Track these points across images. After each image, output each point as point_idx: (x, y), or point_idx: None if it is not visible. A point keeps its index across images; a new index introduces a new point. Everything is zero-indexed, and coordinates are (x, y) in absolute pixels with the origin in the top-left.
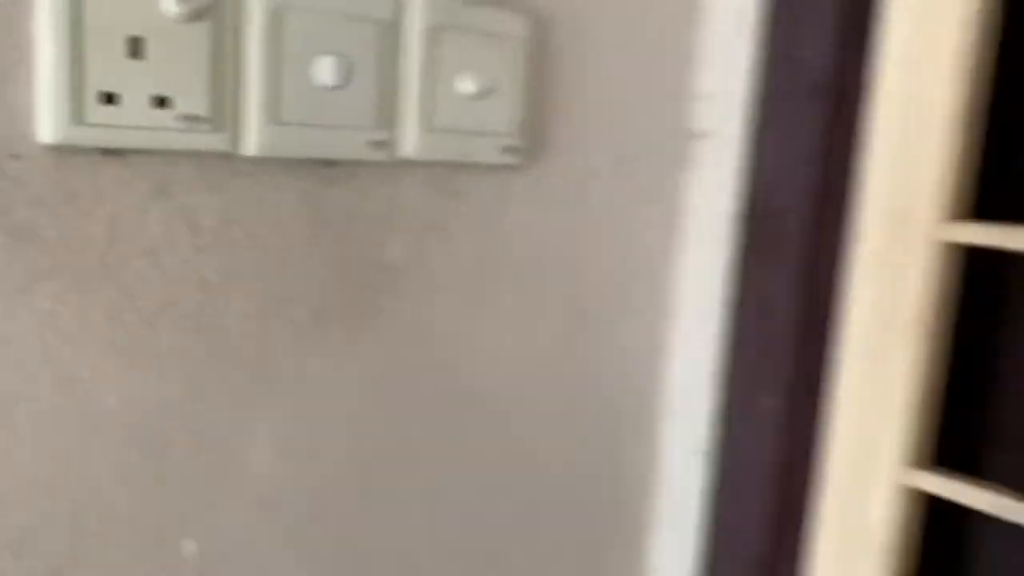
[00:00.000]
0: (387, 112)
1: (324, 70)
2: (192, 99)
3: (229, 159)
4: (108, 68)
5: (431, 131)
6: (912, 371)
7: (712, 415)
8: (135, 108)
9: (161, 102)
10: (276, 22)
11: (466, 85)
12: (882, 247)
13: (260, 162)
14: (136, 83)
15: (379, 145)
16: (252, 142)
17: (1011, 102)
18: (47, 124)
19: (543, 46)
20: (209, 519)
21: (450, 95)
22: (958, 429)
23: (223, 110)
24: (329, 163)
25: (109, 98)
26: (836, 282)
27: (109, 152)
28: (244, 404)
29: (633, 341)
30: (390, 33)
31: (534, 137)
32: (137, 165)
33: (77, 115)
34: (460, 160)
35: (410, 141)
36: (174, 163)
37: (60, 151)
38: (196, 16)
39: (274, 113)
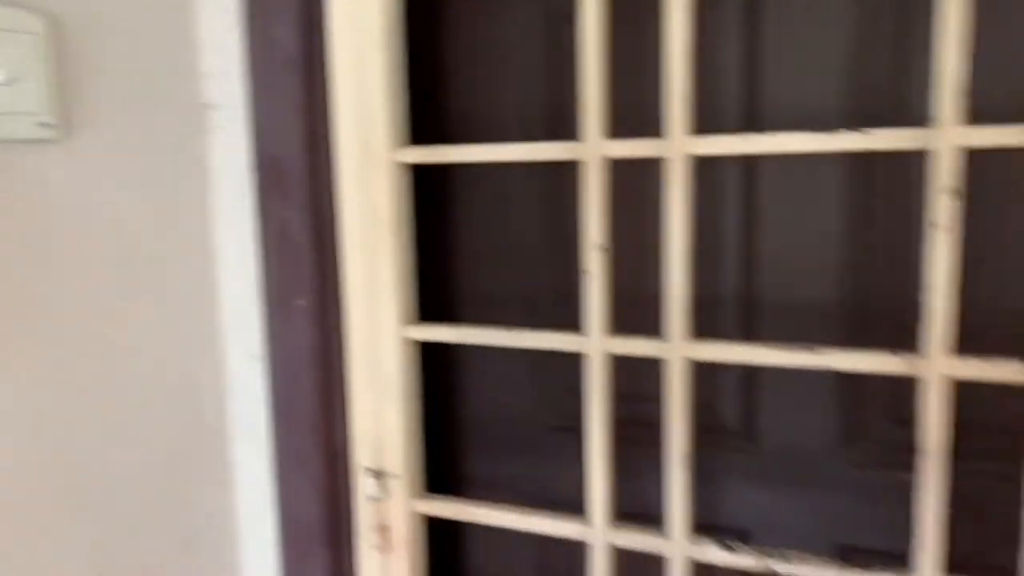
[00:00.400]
0: None
1: None
2: None
3: None
4: None
5: None
6: (393, 256)
7: (261, 322)
8: None
9: None
10: None
11: None
12: (358, 171)
13: None
14: None
15: None
16: None
17: (426, 58)
18: None
19: (63, 39)
20: None
21: None
22: (432, 292)
23: None
24: None
25: None
26: (333, 202)
27: None
28: None
29: (187, 278)
30: None
31: (67, 115)
32: None
33: None
34: None
35: None
36: None
37: None
38: None
39: None
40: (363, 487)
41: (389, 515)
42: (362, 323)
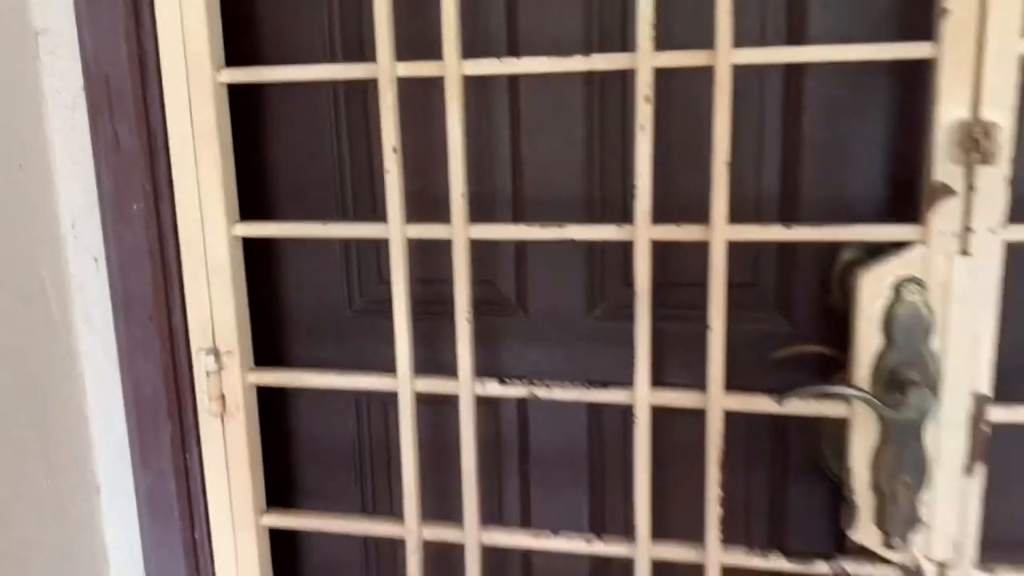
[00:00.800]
0: None
1: None
2: None
3: None
4: None
5: None
6: (217, 164)
7: (102, 225)
8: None
9: None
10: None
11: None
12: (182, 89)
13: None
14: None
15: None
16: None
17: None
18: None
19: None
20: None
21: None
22: (254, 197)
23: None
24: None
25: None
26: (162, 116)
27: None
28: None
29: (31, 189)
30: None
31: None
32: None
33: None
34: None
35: None
36: None
37: None
38: None
39: None
40: (201, 364)
41: (225, 386)
42: (192, 223)
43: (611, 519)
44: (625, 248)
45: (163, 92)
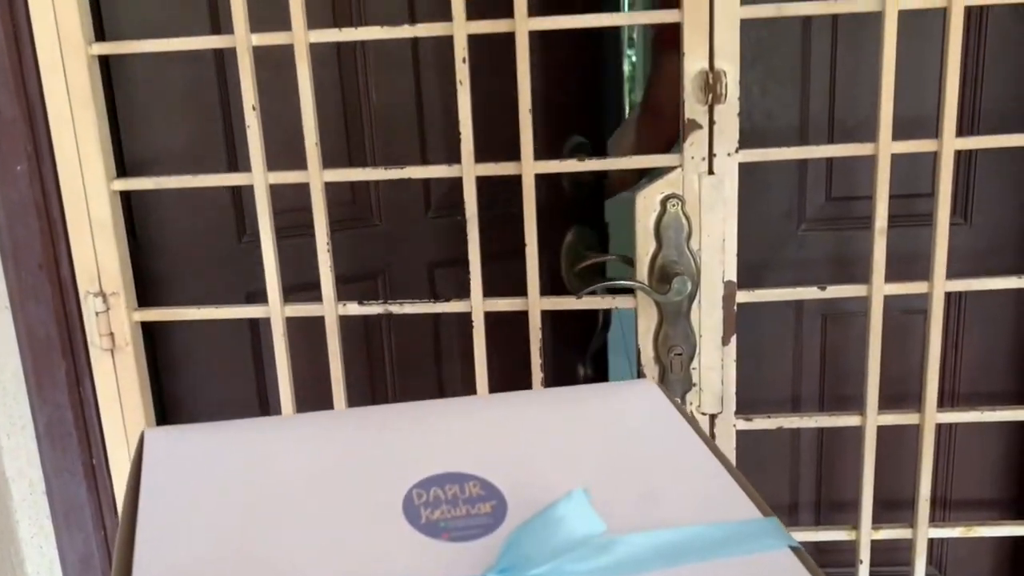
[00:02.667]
0: None
1: None
2: None
3: None
4: None
5: None
6: (93, 127)
7: None
8: None
9: None
10: None
11: None
12: (54, 60)
13: None
14: None
15: None
16: None
17: None
18: None
19: None
20: None
21: None
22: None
23: None
24: None
25: None
26: (33, 84)
27: None
28: None
29: None
30: None
31: None
32: None
33: None
34: None
35: None
36: None
37: None
38: None
39: None
40: (90, 306)
41: (113, 324)
42: (74, 181)
43: None
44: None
45: (39, 65)
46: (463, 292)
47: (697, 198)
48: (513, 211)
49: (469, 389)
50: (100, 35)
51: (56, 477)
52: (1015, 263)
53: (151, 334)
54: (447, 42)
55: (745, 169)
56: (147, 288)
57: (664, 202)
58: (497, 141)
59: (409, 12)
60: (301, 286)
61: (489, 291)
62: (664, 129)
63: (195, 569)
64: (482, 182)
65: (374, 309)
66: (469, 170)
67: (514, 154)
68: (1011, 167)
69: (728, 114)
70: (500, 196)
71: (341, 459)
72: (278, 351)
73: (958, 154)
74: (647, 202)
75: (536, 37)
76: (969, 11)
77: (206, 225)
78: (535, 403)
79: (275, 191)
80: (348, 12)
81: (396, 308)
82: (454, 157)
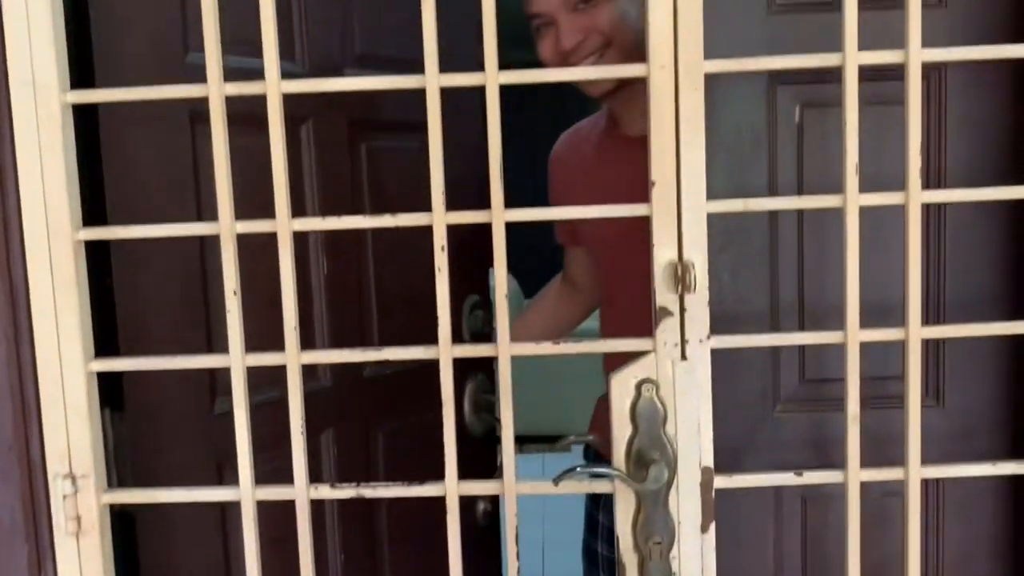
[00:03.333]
0: None
1: None
2: None
3: None
4: None
5: None
6: (74, 310)
7: None
8: None
9: None
10: None
11: None
12: (43, 246)
13: None
14: None
15: None
16: None
17: None
18: None
19: None
20: None
21: None
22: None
23: None
24: None
25: None
26: (24, 270)
27: None
28: None
29: None
30: None
31: None
32: None
33: None
34: None
35: None
36: None
37: None
38: None
39: None
40: (59, 488)
41: (81, 507)
42: (51, 362)
43: None
44: None
45: (25, 252)
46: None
47: (671, 383)
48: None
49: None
50: (102, 219)
51: None
52: (989, 445)
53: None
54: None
55: (718, 351)
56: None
57: (639, 386)
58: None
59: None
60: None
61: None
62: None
63: None
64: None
65: (347, 492)
66: (446, 352)
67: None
68: (982, 348)
69: (698, 303)
70: None
71: None
72: (248, 537)
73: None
74: (622, 386)
75: None
76: (927, 207)
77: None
78: None
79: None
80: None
81: (369, 492)
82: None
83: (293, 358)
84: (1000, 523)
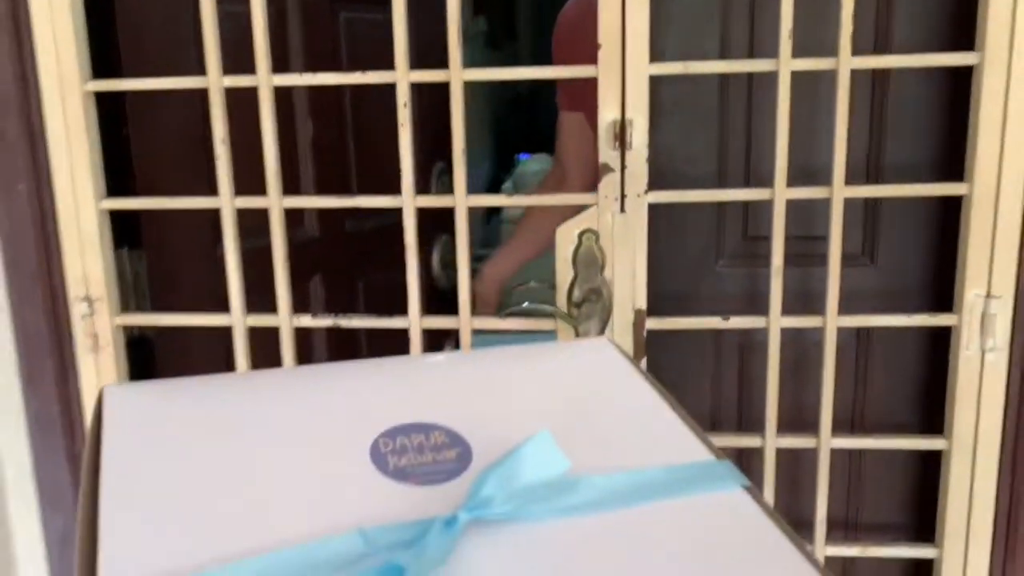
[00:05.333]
0: None
1: None
2: None
3: None
4: None
5: None
6: (87, 153)
7: None
8: None
9: None
10: None
11: None
12: (57, 94)
13: None
14: None
15: None
16: None
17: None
18: None
19: None
20: None
21: None
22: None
23: None
24: None
25: None
26: (42, 116)
27: None
28: None
29: None
30: None
31: None
32: None
33: None
34: None
35: None
36: None
37: None
38: None
39: None
40: (77, 310)
41: (97, 327)
42: (68, 201)
43: None
44: None
45: (41, 100)
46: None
47: (610, 233)
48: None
49: None
50: (117, 70)
51: (42, 462)
52: (918, 303)
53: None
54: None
55: (664, 208)
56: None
57: (581, 235)
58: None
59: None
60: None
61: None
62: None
63: (162, 529)
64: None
65: (326, 322)
66: (409, 201)
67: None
68: (916, 209)
69: (637, 159)
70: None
71: (306, 412)
72: (239, 356)
73: (865, 201)
74: (566, 236)
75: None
76: (873, 76)
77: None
78: (496, 359)
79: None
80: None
81: (345, 322)
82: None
83: (276, 200)
84: (920, 374)
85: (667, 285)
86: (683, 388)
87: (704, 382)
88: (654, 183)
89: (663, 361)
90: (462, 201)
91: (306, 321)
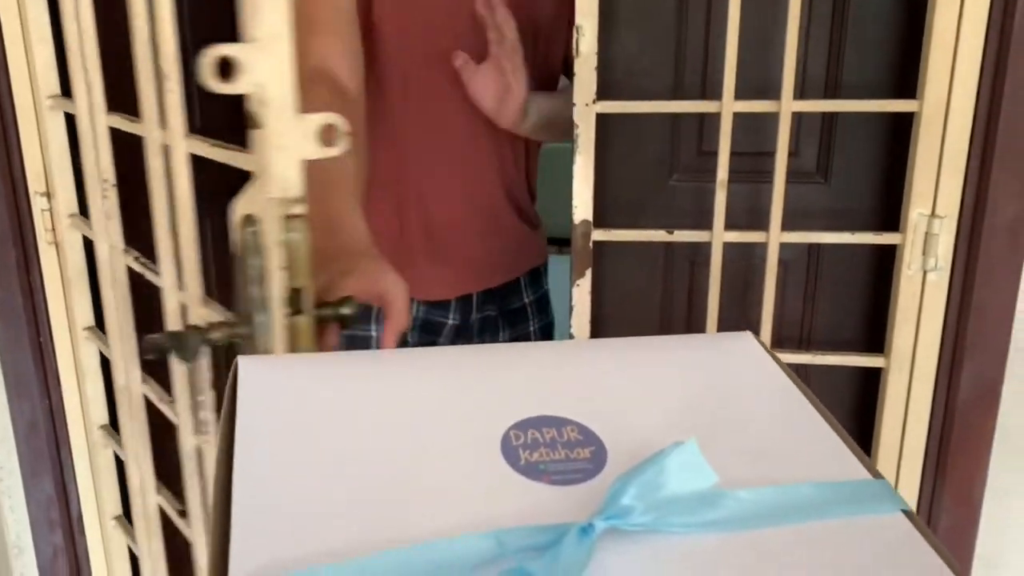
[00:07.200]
0: None
1: None
2: None
3: None
4: None
5: None
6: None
7: None
8: None
9: None
10: None
11: None
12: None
13: None
14: None
15: None
16: None
17: None
18: None
19: None
20: None
21: None
22: None
23: None
24: None
25: None
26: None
27: None
28: None
29: None
30: None
31: None
32: None
33: None
34: None
35: None
36: None
37: None
38: None
39: None
40: (37, 204)
41: (56, 220)
42: (26, 100)
43: None
44: None
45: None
46: None
47: None
48: None
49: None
50: None
51: (8, 351)
52: (873, 223)
53: None
54: None
55: (618, 120)
56: None
57: None
58: None
59: None
60: None
61: None
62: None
63: (294, 514)
64: None
65: None
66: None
67: None
68: (873, 129)
69: (586, 67)
70: None
71: (437, 397)
72: None
73: (822, 118)
74: None
75: None
76: None
77: None
78: (633, 350)
79: None
80: None
81: None
82: None
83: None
84: (867, 294)
85: (618, 197)
86: (633, 302)
87: (655, 296)
88: (610, 96)
89: (613, 273)
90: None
91: None
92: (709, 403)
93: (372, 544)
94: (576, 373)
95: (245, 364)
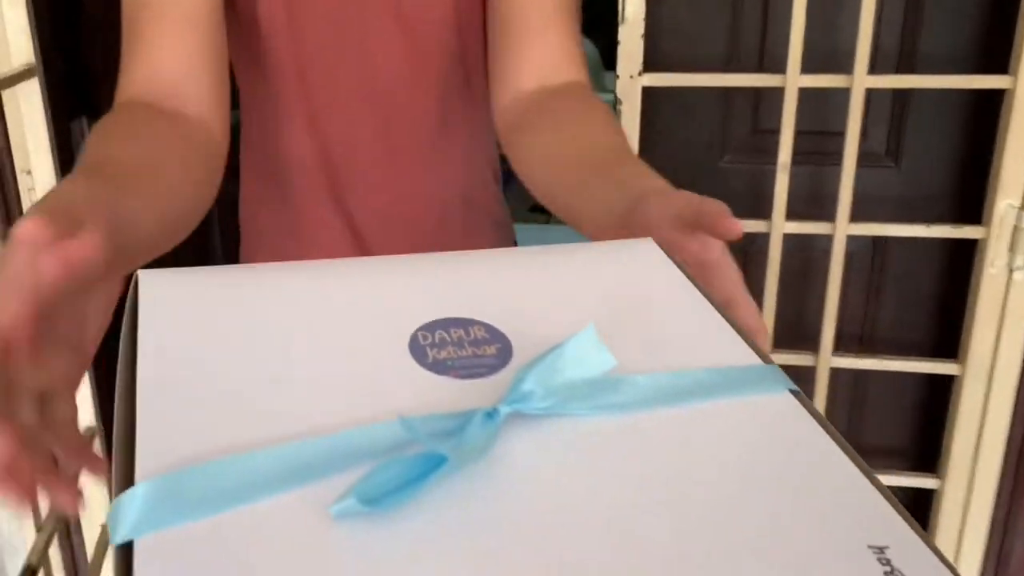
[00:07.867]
0: None
1: None
2: None
3: None
4: None
5: None
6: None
7: None
8: None
9: None
10: None
11: None
12: None
13: None
14: None
15: None
16: None
17: None
18: None
19: None
20: None
21: None
22: None
23: None
24: None
25: None
26: None
27: None
28: None
29: None
30: None
31: None
32: None
33: None
34: None
35: None
36: None
37: None
38: None
39: None
40: (23, 183)
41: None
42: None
43: None
44: None
45: None
46: None
47: None
48: None
49: None
50: None
51: None
52: (946, 212)
53: None
54: None
55: (665, 94)
56: None
57: None
58: None
59: None
60: None
61: None
62: None
63: (200, 414)
64: None
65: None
66: None
67: None
68: (950, 108)
69: (632, 35)
70: None
71: (343, 303)
72: None
73: (893, 95)
74: None
75: None
76: None
77: None
78: (537, 256)
79: None
80: None
81: None
82: None
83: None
84: (938, 292)
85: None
86: None
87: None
88: (654, 65)
89: None
90: None
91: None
92: (612, 301)
93: (280, 439)
94: (481, 278)
95: (145, 275)
